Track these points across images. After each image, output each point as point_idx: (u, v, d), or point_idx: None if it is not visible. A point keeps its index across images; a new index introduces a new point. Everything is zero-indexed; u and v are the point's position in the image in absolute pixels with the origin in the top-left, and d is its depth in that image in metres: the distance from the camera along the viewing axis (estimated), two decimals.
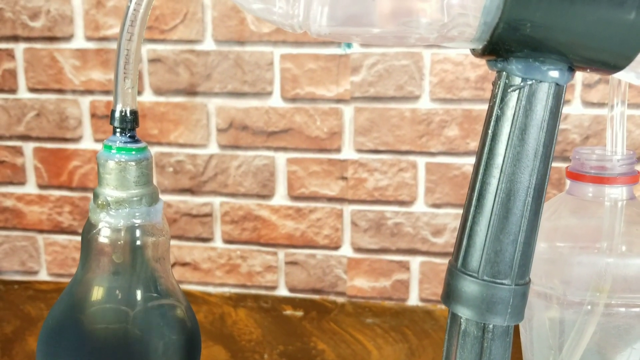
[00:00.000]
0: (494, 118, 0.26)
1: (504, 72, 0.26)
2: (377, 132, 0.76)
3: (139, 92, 0.79)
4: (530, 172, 0.25)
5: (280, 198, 0.80)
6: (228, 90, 0.78)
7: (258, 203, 0.80)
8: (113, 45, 0.79)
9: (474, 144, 0.75)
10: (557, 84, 0.25)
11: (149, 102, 0.79)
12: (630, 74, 0.26)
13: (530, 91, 0.25)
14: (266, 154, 0.79)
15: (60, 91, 0.81)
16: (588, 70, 0.26)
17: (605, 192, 0.35)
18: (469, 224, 0.27)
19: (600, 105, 0.72)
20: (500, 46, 0.24)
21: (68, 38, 0.79)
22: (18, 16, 0.80)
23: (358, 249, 0.80)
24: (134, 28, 0.28)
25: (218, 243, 0.82)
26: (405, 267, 0.79)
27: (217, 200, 0.81)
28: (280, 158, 0.79)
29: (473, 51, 0.26)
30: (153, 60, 0.78)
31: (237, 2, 0.25)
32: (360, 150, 0.77)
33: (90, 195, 0.83)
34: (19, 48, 0.81)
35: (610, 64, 0.24)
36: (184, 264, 0.83)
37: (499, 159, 0.26)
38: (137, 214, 0.30)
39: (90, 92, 0.80)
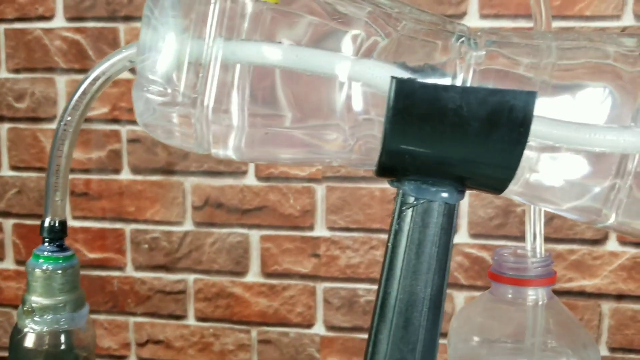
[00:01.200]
0: (392, 232, 0.27)
1: (400, 191, 0.27)
2: (348, 211, 0.77)
3: (118, 171, 0.81)
4: (425, 284, 0.26)
5: (253, 275, 0.80)
6: (204, 169, 0.79)
7: (232, 280, 0.81)
8: (94, 126, 0.81)
9: None
10: (447, 203, 0.26)
11: (126, 180, 0.81)
12: (517, 197, 0.27)
13: (423, 209, 0.26)
14: (240, 231, 0.80)
15: (41, 169, 0.83)
16: (476, 190, 0.27)
17: (524, 293, 0.36)
18: (373, 332, 0.27)
19: None
20: (390, 170, 0.26)
21: (51, 119, 0.82)
22: (4, 97, 0.83)
23: (331, 327, 0.79)
24: (64, 145, 0.30)
25: (191, 321, 0.82)
26: None
27: (191, 277, 0.81)
28: (254, 235, 0.79)
29: (373, 171, 0.27)
30: (132, 141, 0.81)
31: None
32: (332, 228, 0.78)
33: None
34: (4, 128, 0.83)
35: (491, 187, 0.26)
36: (157, 342, 0.83)
37: (397, 271, 0.27)
38: (61, 320, 0.31)
39: (70, 170, 0.82)
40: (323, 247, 0.78)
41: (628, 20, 0.70)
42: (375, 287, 0.78)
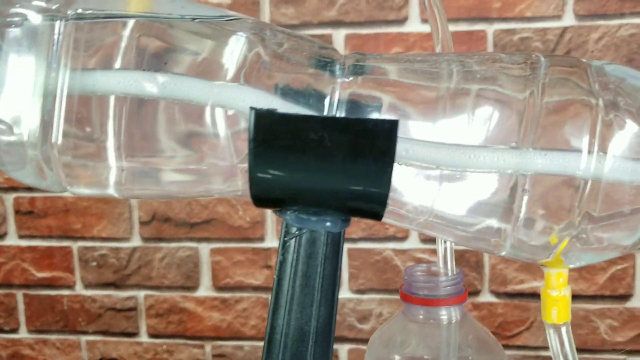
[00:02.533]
0: (278, 262, 0.26)
1: (284, 221, 0.26)
2: None
3: None
4: (311, 317, 0.26)
5: (205, 289, 0.79)
6: None
7: (183, 295, 0.79)
8: None
9: (393, 229, 0.75)
10: (331, 233, 0.25)
11: (71, 197, 0.79)
12: (398, 224, 0.27)
13: (306, 240, 0.25)
14: (190, 245, 0.78)
15: None
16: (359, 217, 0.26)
17: (435, 313, 0.35)
18: None
19: None
20: (265, 201, 0.25)
21: None
22: None
23: None
24: None
25: (144, 337, 0.80)
26: (333, 355, 0.78)
27: (141, 294, 0.80)
28: (204, 249, 0.78)
29: None
30: None
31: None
32: None
33: (15, 291, 0.82)
34: None
35: (369, 215, 0.25)
36: None
37: (282, 304, 0.26)
38: None
39: (14, 189, 0.80)
40: (275, 258, 0.77)
41: (569, 20, 0.69)
42: None
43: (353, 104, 0.24)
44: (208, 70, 0.24)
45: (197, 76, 0.23)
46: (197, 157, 0.25)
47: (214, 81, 0.23)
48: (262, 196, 0.24)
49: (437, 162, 0.24)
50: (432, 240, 0.75)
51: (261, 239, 0.77)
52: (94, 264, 0.80)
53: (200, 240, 0.78)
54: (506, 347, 0.75)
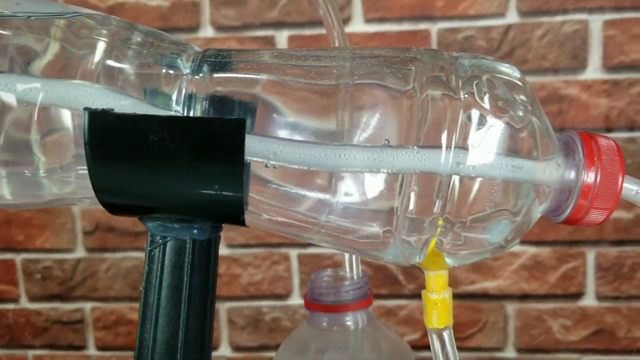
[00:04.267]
0: (144, 273, 0.25)
1: (148, 229, 0.25)
2: None
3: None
4: (178, 329, 0.24)
5: None
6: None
7: (130, 306, 0.77)
8: None
9: None
10: (199, 240, 0.24)
11: None
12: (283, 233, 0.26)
13: (170, 248, 0.24)
14: (135, 255, 0.76)
15: None
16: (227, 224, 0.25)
17: (340, 320, 0.34)
18: None
19: None
20: (119, 209, 0.23)
21: None
22: None
23: (237, 348, 0.77)
24: None
25: (92, 350, 0.78)
26: None
27: (87, 306, 0.78)
28: None
29: None
30: None
31: None
32: (231, 246, 0.75)
33: None
34: None
35: (231, 221, 0.24)
36: None
37: (149, 317, 0.25)
38: None
39: None
40: (223, 266, 0.76)
41: (512, 17, 0.69)
42: (280, 303, 0.76)
43: (214, 103, 0.23)
44: (58, 70, 0.22)
45: (44, 77, 0.22)
46: (58, 163, 0.23)
47: (54, 79, 0.22)
48: (111, 204, 0.23)
49: (306, 163, 0.23)
50: None
51: None
52: (39, 276, 0.78)
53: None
54: (460, 349, 0.74)
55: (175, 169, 0.21)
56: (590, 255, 0.71)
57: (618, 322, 0.72)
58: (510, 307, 0.73)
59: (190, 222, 0.24)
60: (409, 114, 0.23)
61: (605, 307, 0.72)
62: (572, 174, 0.24)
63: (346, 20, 0.71)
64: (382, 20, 0.70)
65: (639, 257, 0.70)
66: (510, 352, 0.73)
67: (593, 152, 0.24)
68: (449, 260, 0.25)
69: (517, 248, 0.72)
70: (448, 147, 0.22)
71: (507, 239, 0.24)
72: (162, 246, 0.24)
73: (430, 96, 0.23)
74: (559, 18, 0.68)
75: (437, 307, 0.26)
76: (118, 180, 0.21)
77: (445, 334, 0.27)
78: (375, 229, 0.24)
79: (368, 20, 0.71)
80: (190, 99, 0.22)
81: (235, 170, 0.21)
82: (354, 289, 0.33)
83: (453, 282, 0.73)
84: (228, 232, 0.75)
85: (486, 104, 0.23)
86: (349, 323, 0.34)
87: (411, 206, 0.23)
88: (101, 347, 0.78)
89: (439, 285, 0.26)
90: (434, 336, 0.27)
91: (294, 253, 0.75)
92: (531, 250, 0.72)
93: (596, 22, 0.67)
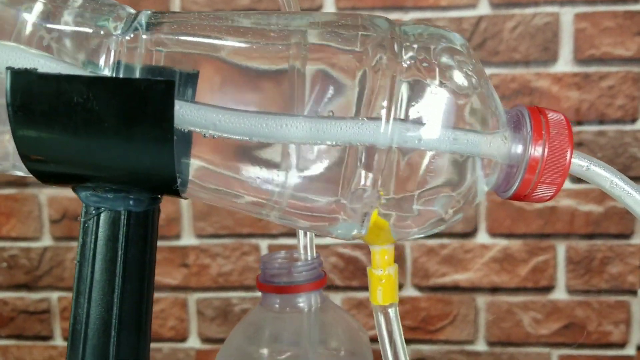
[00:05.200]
0: (79, 246, 0.24)
1: (81, 200, 0.24)
2: (216, 216, 0.74)
3: None
4: (113, 304, 0.23)
5: None
6: None
7: None
8: None
9: None
10: (134, 212, 0.23)
11: None
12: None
13: (104, 220, 0.23)
14: None
15: None
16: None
17: (293, 301, 0.33)
18: (67, 355, 0.24)
19: None
20: (48, 177, 0.22)
21: None
22: None
23: (206, 340, 0.76)
24: None
25: (58, 341, 0.77)
26: None
27: (54, 295, 0.76)
28: None
29: None
30: None
31: None
32: (200, 236, 0.75)
33: None
34: None
35: (165, 191, 0.23)
36: None
37: (83, 289, 0.24)
38: None
39: None
40: (192, 256, 0.75)
41: (484, 9, 0.69)
42: (250, 294, 0.75)
43: (151, 69, 0.22)
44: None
45: None
46: None
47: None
48: (40, 171, 0.22)
49: (247, 133, 0.22)
50: None
51: (177, 236, 0.74)
52: (5, 264, 0.76)
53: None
54: (430, 341, 0.74)
55: (101, 133, 0.20)
56: (561, 248, 0.71)
57: (588, 316, 0.72)
58: (481, 300, 0.73)
59: (125, 193, 0.23)
60: (354, 84, 0.23)
61: (576, 300, 0.72)
62: (519, 148, 0.24)
63: (318, 9, 0.70)
64: (354, 9, 0.70)
65: (609, 250, 0.71)
66: (480, 345, 0.73)
67: (541, 125, 0.24)
68: (394, 234, 0.24)
69: (488, 241, 0.72)
70: (388, 118, 0.22)
71: (451, 213, 0.24)
72: (95, 217, 0.23)
73: (375, 65, 0.23)
74: (530, 10, 0.68)
75: (382, 283, 0.25)
76: (43, 145, 0.21)
77: (391, 312, 0.26)
78: (322, 203, 0.24)
79: (340, 10, 0.70)
80: (120, 62, 0.22)
81: (164, 136, 0.20)
82: (306, 270, 0.33)
83: (424, 274, 0.72)
84: (198, 222, 0.74)
85: (429, 73, 0.22)
86: (301, 304, 0.33)
87: (355, 179, 0.23)
88: (67, 338, 0.77)
89: (384, 261, 0.25)
90: (379, 314, 0.26)
91: (264, 244, 0.74)
92: (502, 243, 0.71)
93: (567, 15, 0.67)
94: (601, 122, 0.68)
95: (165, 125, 0.20)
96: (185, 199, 0.24)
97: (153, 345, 0.81)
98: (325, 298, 0.35)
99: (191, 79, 0.23)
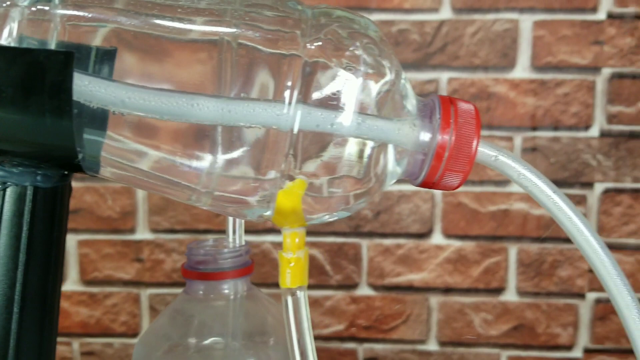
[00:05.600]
0: None
1: None
2: (172, 211, 0.73)
3: None
4: (16, 280, 0.23)
5: (72, 283, 0.74)
6: None
7: None
8: None
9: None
10: (41, 188, 0.23)
11: None
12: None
13: (10, 194, 0.23)
14: None
15: None
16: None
17: (216, 288, 0.33)
18: None
19: None
20: None
21: None
22: None
23: None
24: None
25: None
26: None
27: None
28: (71, 240, 0.74)
29: None
30: None
31: None
32: (155, 230, 0.73)
33: None
34: None
35: (70, 167, 0.22)
36: None
37: None
38: None
39: None
40: (146, 251, 0.74)
41: (446, 13, 0.69)
42: None
43: (67, 44, 0.21)
44: None
45: None
46: None
47: None
48: None
49: (157, 112, 0.21)
50: (314, 233, 0.73)
51: (132, 230, 0.73)
52: None
53: (67, 231, 0.73)
54: (383, 341, 0.75)
55: (1, 105, 0.20)
56: (513, 250, 0.72)
57: (537, 318, 0.74)
58: (434, 300, 0.74)
59: (33, 168, 0.23)
60: (266, 65, 0.22)
61: (526, 302, 0.73)
62: (427, 136, 0.24)
63: None
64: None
65: (559, 254, 0.72)
66: (432, 345, 0.74)
67: (450, 114, 0.24)
68: (309, 217, 0.25)
69: (442, 241, 0.72)
70: (291, 100, 0.22)
71: (357, 199, 0.24)
72: (1, 192, 0.23)
73: (285, 46, 0.22)
74: (490, 16, 0.69)
75: (292, 266, 0.25)
76: None
77: (299, 294, 0.26)
78: (237, 186, 0.24)
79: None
80: (22, 36, 0.21)
81: (62, 108, 0.20)
82: (232, 257, 0.33)
83: (379, 274, 0.73)
84: (153, 217, 0.73)
85: (337, 56, 0.22)
86: (226, 291, 0.33)
87: (264, 162, 0.23)
88: None
89: (294, 244, 0.25)
90: (288, 297, 0.26)
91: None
92: (456, 244, 0.72)
93: (526, 22, 0.69)
94: (555, 128, 0.70)
95: (63, 97, 0.20)
96: (89, 175, 0.24)
97: (104, 340, 0.80)
98: (252, 287, 0.35)
99: (109, 55, 0.22)
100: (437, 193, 0.72)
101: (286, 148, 0.22)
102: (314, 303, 0.74)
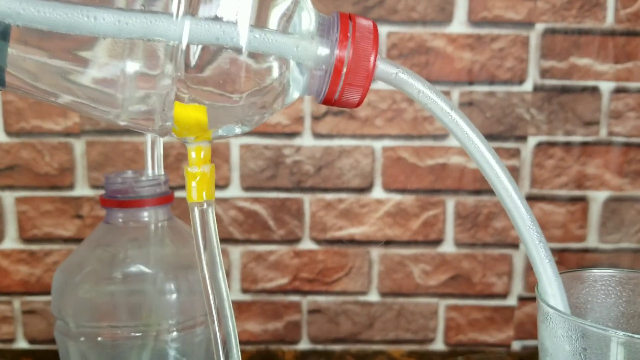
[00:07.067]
0: None
1: None
2: (112, 167, 0.72)
3: None
4: None
5: (11, 241, 0.73)
6: None
7: None
8: None
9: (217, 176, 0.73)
10: None
11: None
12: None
13: None
14: None
15: None
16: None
17: (134, 215, 0.34)
18: None
19: (330, 136, 0.73)
20: None
21: None
22: None
23: None
24: None
25: None
26: None
27: None
28: (8, 197, 0.72)
29: None
30: None
31: None
32: (95, 187, 0.73)
33: None
34: None
35: None
36: None
37: None
38: None
39: None
40: (86, 208, 0.73)
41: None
42: None
43: None
44: None
45: None
46: None
47: None
48: None
49: (52, 24, 0.21)
50: (254, 189, 0.74)
51: (71, 186, 0.72)
52: None
53: (3, 188, 0.72)
54: (326, 293, 0.76)
55: None
56: (450, 203, 0.74)
57: (474, 268, 0.76)
58: (375, 253, 0.75)
59: None
60: None
61: (462, 253, 0.76)
62: (325, 51, 0.24)
63: None
64: None
65: (494, 206, 0.75)
66: (373, 296, 0.76)
67: (348, 29, 0.24)
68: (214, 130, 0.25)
69: (382, 195, 0.74)
70: (178, 13, 0.22)
71: (255, 114, 0.24)
72: None
73: None
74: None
75: (197, 180, 0.26)
76: None
77: (207, 207, 0.26)
78: (139, 100, 0.24)
79: None
80: None
81: None
82: (149, 185, 0.33)
83: (322, 228, 0.74)
84: (92, 173, 0.72)
85: None
86: (145, 219, 0.33)
87: (160, 73, 0.23)
88: None
89: (199, 159, 0.26)
90: (195, 210, 0.26)
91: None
92: (396, 198, 0.74)
93: None
94: (491, 82, 0.72)
95: None
96: (11, 90, 0.24)
97: (45, 298, 0.79)
98: (172, 217, 0.35)
99: None
100: (378, 148, 0.73)
101: (179, 61, 0.22)
102: (257, 257, 0.75)
